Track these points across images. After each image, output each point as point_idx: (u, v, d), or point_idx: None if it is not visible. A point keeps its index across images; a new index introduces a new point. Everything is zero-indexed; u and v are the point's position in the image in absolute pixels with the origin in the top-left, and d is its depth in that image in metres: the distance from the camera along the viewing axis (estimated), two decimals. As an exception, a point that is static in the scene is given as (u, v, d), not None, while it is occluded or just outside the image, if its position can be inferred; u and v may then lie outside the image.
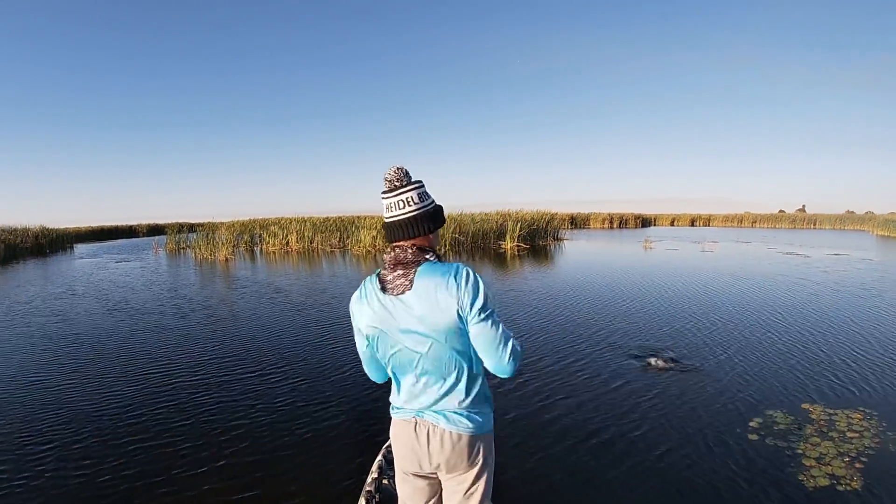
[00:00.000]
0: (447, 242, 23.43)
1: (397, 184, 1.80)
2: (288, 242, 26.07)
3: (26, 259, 24.82)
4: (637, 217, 57.03)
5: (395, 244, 1.82)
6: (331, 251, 24.41)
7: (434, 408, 1.79)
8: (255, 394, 5.31)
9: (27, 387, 5.65)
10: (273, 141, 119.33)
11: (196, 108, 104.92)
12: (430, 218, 1.82)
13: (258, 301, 10.81)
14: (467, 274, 1.70)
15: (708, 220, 62.07)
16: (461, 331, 1.71)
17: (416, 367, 1.77)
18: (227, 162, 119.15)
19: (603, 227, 52.65)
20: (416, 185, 1.82)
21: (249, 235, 28.57)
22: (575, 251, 23.16)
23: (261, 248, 26.83)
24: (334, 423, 4.55)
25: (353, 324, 1.89)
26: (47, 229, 33.26)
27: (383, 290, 1.77)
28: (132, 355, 6.78)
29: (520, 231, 24.99)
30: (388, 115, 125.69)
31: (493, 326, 1.70)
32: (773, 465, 3.62)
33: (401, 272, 1.75)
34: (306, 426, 4.49)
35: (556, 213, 32.31)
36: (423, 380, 1.78)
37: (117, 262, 21.27)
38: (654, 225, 60.53)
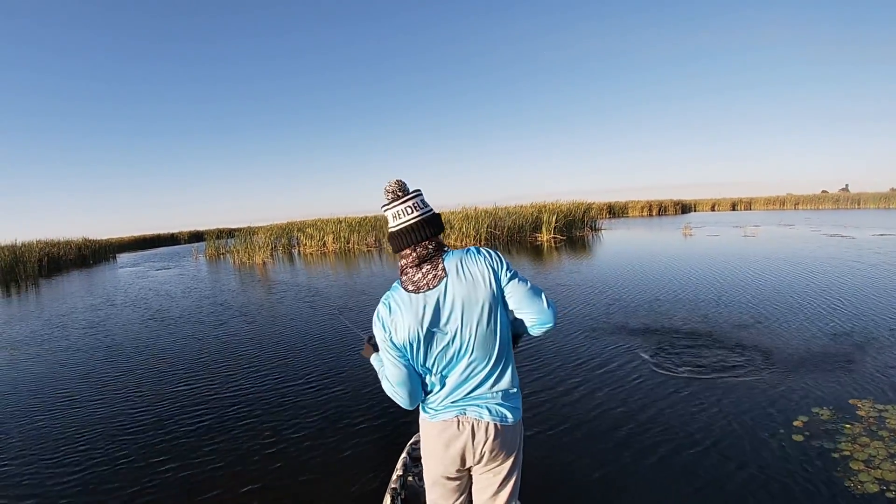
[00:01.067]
0: (482, 237, 23.33)
1: (400, 193, 1.89)
2: (325, 243, 26.25)
3: (70, 270, 25.61)
4: (676, 203, 55.90)
5: (413, 246, 1.87)
6: (367, 250, 24.38)
7: (477, 399, 1.85)
8: (283, 395, 5.39)
9: (62, 401, 5.60)
10: (309, 144, 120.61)
11: (232, 115, 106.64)
12: (437, 221, 1.92)
13: (295, 305, 10.65)
14: (486, 249, 1.87)
15: (749, 204, 60.55)
16: (497, 300, 1.82)
17: (463, 355, 1.82)
18: (265, 167, 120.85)
19: (641, 215, 51.71)
20: (418, 193, 1.91)
21: (287, 238, 28.91)
22: (612, 241, 22.72)
23: (298, 251, 27.05)
24: (359, 421, 4.58)
25: (382, 340, 1.88)
26: (89, 241, 34.32)
27: (416, 291, 1.81)
28: (167, 367, 6.67)
29: (556, 223, 24.70)
30: (417, 114, 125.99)
31: (523, 281, 1.86)
32: (818, 469, 3.35)
33: (429, 266, 1.83)
34: (332, 424, 4.56)
35: (593, 203, 31.89)
36: (471, 367, 1.83)
37: (157, 270, 21.77)
38: (695, 211, 59.16)
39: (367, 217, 29.71)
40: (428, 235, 1.87)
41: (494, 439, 1.85)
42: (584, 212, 28.78)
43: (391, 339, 1.85)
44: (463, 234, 23.23)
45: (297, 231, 29.35)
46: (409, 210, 1.87)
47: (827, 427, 3.94)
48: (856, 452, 3.53)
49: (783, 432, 3.90)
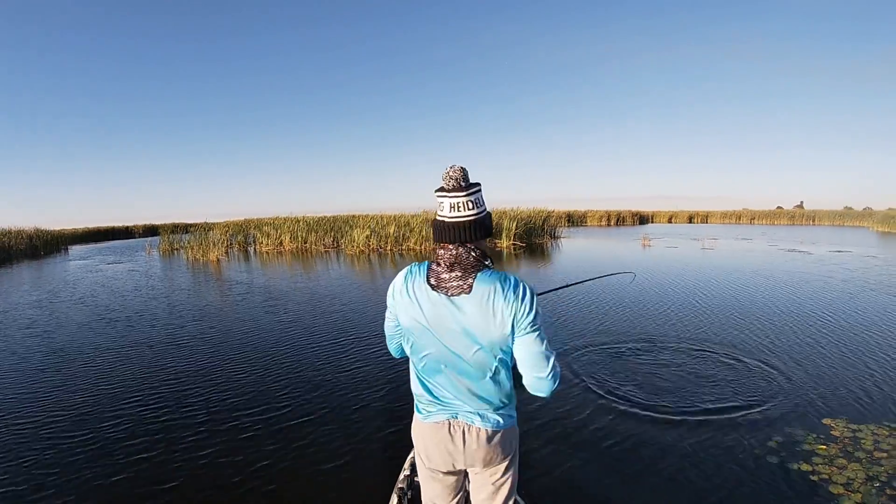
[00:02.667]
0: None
1: (463, 183, 1.76)
2: (281, 242, 25.86)
3: (20, 261, 24.51)
4: (634, 214, 56.88)
5: (455, 244, 1.77)
6: (325, 251, 24.18)
7: (469, 409, 1.82)
8: (283, 394, 5.36)
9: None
10: (270, 142, 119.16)
11: (193, 109, 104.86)
12: (488, 223, 1.81)
13: (250, 309, 10.50)
14: (524, 287, 1.71)
15: (706, 218, 61.93)
16: (508, 341, 1.72)
17: (454, 368, 1.78)
18: (225, 162, 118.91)
19: (600, 225, 52.54)
20: (479, 188, 1.80)
21: (243, 235, 28.37)
22: (572, 249, 22.94)
23: (255, 248, 26.59)
24: (365, 421, 4.63)
25: (390, 307, 1.89)
26: (41, 231, 32.98)
27: (434, 287, 1.75)
28: (102, 375, 6.33)
29: (516, 229, 24.75)
30: (380, 115, 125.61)
31: (540, 340, 1.71)
32: (798, 494, 3.31)
33: (459, 274, 1.74)
34: (339, 424, 4.59)
35: (553, 211, 32.11)
36: (460, 381, 1.79)
37: (109, 264, 21.01)
38: (652, 222, 60.36)
39: (325, 217, 29.40)
40: (476, 237, 1.76)
41: (487, 444, 1.83)
42: (544, 220, 28.92)
43: (394, 309, 1.88)
44: (423, 237, 23.12)
45: (254, 229, 28.79)
46: (470, 205, 1.75)
47: (802, 448, 3.91)
48: (834, 475, 3.51)
49: (757, 453, 3.85)
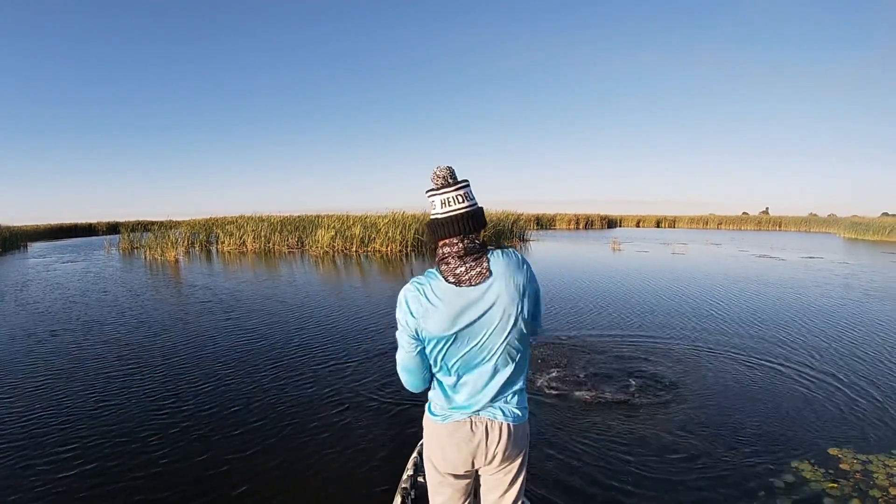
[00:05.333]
0: (409, 243, 22.98)
1: (450, 180, 1.84)
2: (244, 242, 25.33)
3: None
4: (603, 218, 57.50)
5: (461, 236, 1.81)
6: (289, 252, 23.76)
7: (493, 401, 1.83)
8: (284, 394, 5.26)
9: None
10: (239, 140, 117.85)
11: (161, 104, 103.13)
12: (482, 216, 1.88)
13: (203, 317, 10.10)
14: (519, 253, 1.87)
15: (673, 222, 62.69)
16: (526, 309, 1.79)
17: (488, 359, 1.79)
18: (195, 160, 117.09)
19: (569, 228, 52.90)
20: (467, 184, 1.87)
21: (206, 235, 27.75)
22: (541, 252, 22.95)
23: (217, 248, 25.99)
24: (366, 422, 4.63)
25: (406, 327, 1.82)
26: (0, 227, 32.06)
27: (457, 284, 1.76)
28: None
29: (485, 232, 24.55)
30: (349, 115, 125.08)
31: (539, 295, 1.90)
32: None
33: (472, 264, 1.78)
34: (342, 424, 4.59)
35: (522, 214, 32.18)
36: (492, 372, 1.81)
37: (64, 263, 20.26)
38: (620, 226, 61.08)
39: (290, 216, 28.96)
40: (474, 228, 1.83)
41: (508, 439, 1.85)
42: (513, 222, 28.89)
43: (415, 328, 1.80)
44: (389, 238, 22.84)
45: (217, 227, 28.13)
46: (461, 199, 1.83)
47: (813, 487, 3.53)
48: (853, 521, 3.20)
49: (763, 496, 3.46)
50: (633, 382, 5.49)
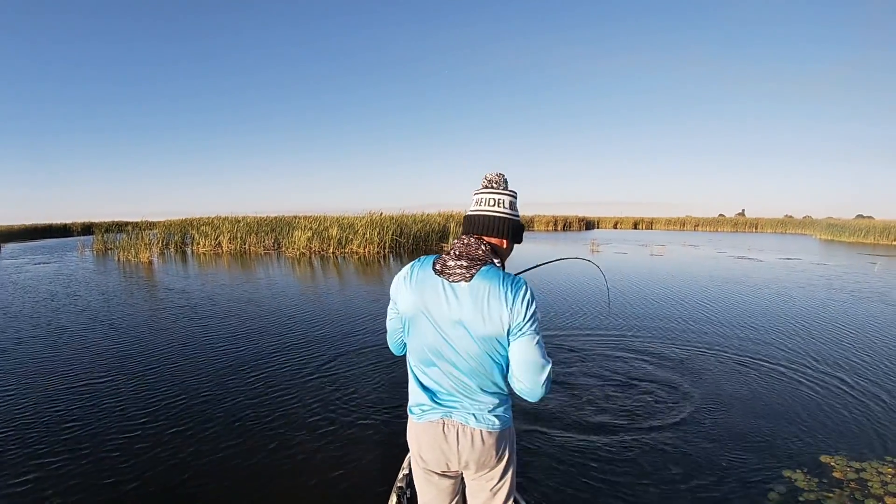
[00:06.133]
0: (387, 245, 22.90)
1: (495, 185, 1.89)
2: (220, 243, 25.09)
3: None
4: (581, 220, 57.90)
5: (469, 235, 1.85)
6: (265, 253, 23.59)
7: (463, 407, 1.81)
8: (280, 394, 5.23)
9: None
10: (219, 141, 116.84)
11: (141, 104, 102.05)
12: (511, 225, 1.86)
13: (178, 324, 9.92)
14: (525, 289, 1.73)
15: (651, 224, 63.27)
16: (501, 342, 1.73)
17: (448, 360, 1.78)
18: (170, 160, 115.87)
19: (547, 230, 53.20)
20: (512, 193, 1.89)
21: (181, 235, 27.41)
22: (519, 253, 22.77)
23: (192, 249, 25.70)
24: (365, 420, 4.67)
25: (393, 296, 1.92)
26: (-28, 228, 31.58)
27: (438, 272, 1.78)
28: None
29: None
30: (327, 115, 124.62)
31: (537, 346, 1.71)
32: None
33: (464, 263, 1.76)
34: (337, 423, 4.63)
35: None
36: (455, 376, 1.79)
37: (36, 265, 19.82)
38: (598, 228, 61.57)
39: (267, 217, 28.77)
40: (492, 232, 1.85)
41: (481, 446, 1.82)
42: (492, 223, 28.78)
43: (394, 299, 1.91)
44: (367, 240, 22.75)
45: (192, 229, 27.77)
46: (492, 202, 1.86)
47: (808, 498, 3.43)
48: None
49: None
50: (615, 389, 5.46)
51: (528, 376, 1.71)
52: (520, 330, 1.70)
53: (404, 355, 2.00)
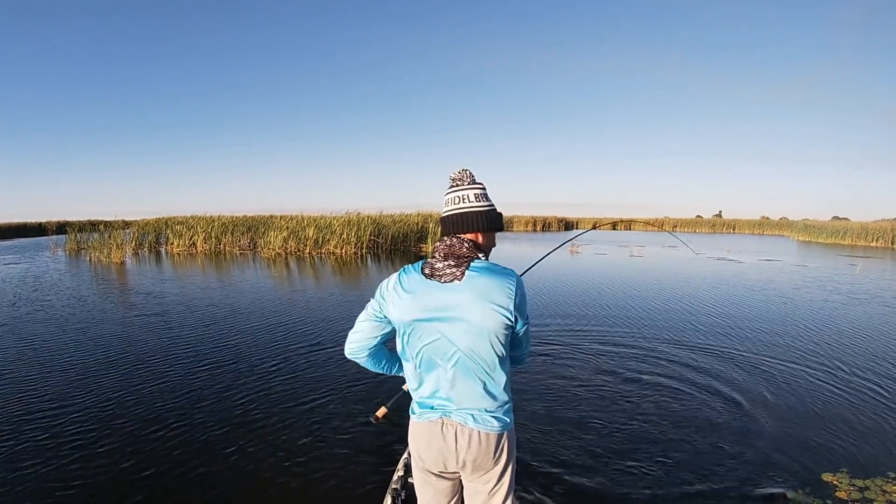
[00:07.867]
0: (364, 245, 22.77)
1: (459, 182, 1.91)
2: (194, 243, 24.78)
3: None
4: (560, 220, 58.24)
5: (449, 236, 1.87)
6: (240, 253, 23.36)
7: (463, 407, 1.82)
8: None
9: None
10: (197, 141, 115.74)
11: (117, 102, 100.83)
12: (485, 217, 1.88)
13: (148, 332, 9.68)
14: (520, 282, 1.82)
15: (629, 225, 63.33)
16: (505, 332, 1.77)
17: (449, 359, 1.79)
18: (145, 159, 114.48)
19: (526, 230, 53.51)
20: (478, 185, 1.92)
21: (155, 235, 27.04)
22: (498, 254, 22.71)
23: (166, 249, 25.34)
24: (359, 421, 4.67)
25: (376, 303, 1.90)
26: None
27: (429, 276, 1.79)
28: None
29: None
30: (302, 113, 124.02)
31: (528, 330, 1.90)
32: None
33: (452, 263, 1.79)
34: (332, 425, 4.63)
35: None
36: (456, 375, 1.80)
37: (6, 265, 19.36)
38: (577, 228, 61.56)
39: (243, 216, 28.53)
40: (468, 228, 1.86)
41: (478, 447, 1.82)
42: (471, 223, 28.76)
43: (380, 306, 1.89)
44: (344, 240, 22.61)
45: (167, 228, 27.36)
46: (459, 199, 1.89)
47: None
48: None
49: None
50: (611, 388, 5.53)
51: (520, 349, 1.92)
52: (521, 319, 1.80)
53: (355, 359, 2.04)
